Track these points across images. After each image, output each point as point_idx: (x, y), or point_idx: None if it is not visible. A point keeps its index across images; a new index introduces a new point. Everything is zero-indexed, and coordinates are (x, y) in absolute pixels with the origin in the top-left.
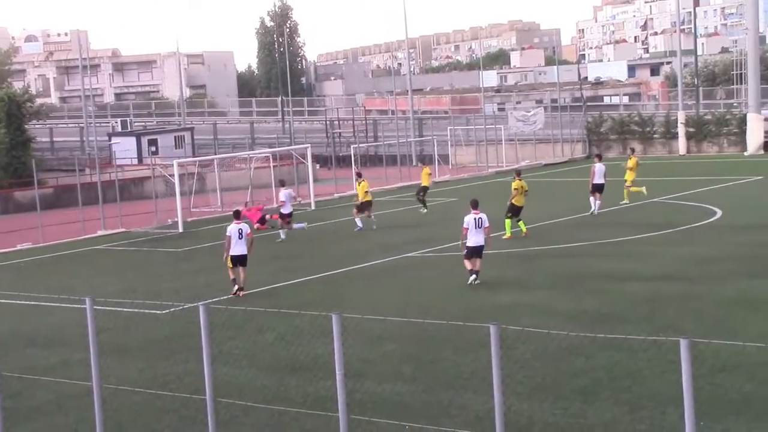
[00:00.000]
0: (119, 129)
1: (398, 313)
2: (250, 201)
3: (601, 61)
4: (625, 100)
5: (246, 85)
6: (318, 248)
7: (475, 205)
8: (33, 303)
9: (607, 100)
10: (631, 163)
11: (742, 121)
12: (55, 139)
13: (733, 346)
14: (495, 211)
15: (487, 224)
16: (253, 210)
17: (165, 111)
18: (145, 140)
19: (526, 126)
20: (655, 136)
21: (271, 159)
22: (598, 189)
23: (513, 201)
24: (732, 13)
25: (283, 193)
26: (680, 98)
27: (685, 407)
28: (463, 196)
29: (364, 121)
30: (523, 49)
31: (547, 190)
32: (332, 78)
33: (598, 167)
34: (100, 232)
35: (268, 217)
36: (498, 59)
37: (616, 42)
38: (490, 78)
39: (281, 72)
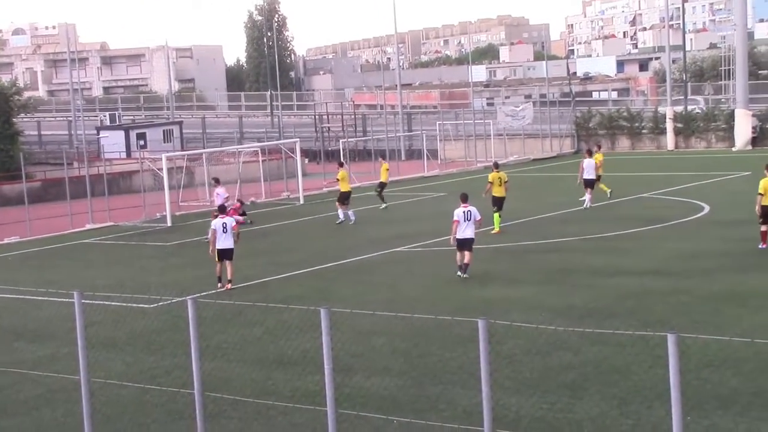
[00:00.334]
0: (107, 123)
1: (387, 307)
2: (239, 195)
3: (589, 56)
4: (614, 95)
5: (235, 79)
6: (307, 242)
7: (464, 198)
8: (21, 297)
9: (595, 96)
10: (596, 159)
11: (730, 117)
12: (43, 132)
13: (720, 341)
14: (483, 205)
15: (478, 217)
16: (230, 212)
17: (153, 105)
18: (133, 134)
19: (514, 121)
20: (644, 131)
21: (259, 153)
22: (589, 184)
23: (493, 193)
24: (720, 9)
25: (221, 191)
26: (669, 94)
27: (672, 402)
28: (451, 190)
29: (353, 116)
30: (512, 44)
31: (536, 185)
32: (321, 72)
33: (587, 162)
34: (88, 226)
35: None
36: (487, 54)
37: (605, 37)
38: (479, 73)
39: (270, 66)
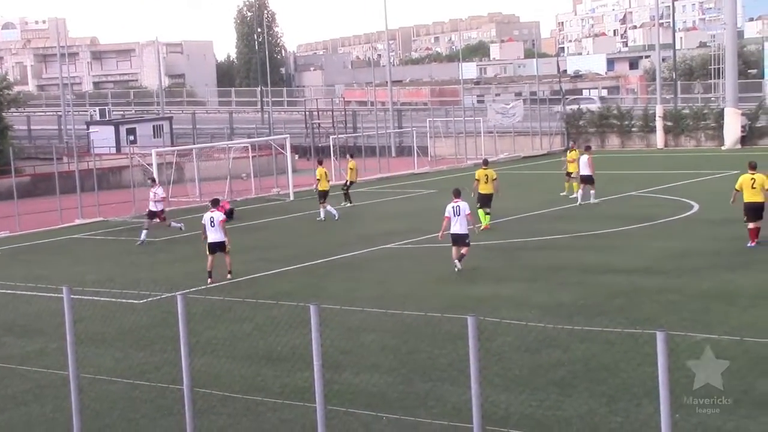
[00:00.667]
0: (97, 118)
1: (376, 304)
2: (229, 191)
3: (580, 54)
4: (604, 93)
5: (225, 75)
6: (296, 239)
7: (456, 194)
8: (10, 292)
9: (586, 93)
10: (571, 155)
11: (720, 116)
12: (32, 127)
13: (709, 339)
14: (473, 202)
15: (466, 212)
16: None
17: (143, 100)
18: (123, 129)
19: (505, 118)
20: (634, 129)
21: (249, 149)
22: (585, 180)
23: (479, 190)
24: (710, 8)
25: (161, 190)
26: (659, 92)
27: (660, 399)
28: (441, 187)
29: (343, 112)
30: (502, 41)
31: (526, 182)
32: (312, 68)
33: (583, 158)
34: (77, 221)
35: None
36: (477, 51)
37: (595, 35)
38: (469, 70)
39: (260, 62)
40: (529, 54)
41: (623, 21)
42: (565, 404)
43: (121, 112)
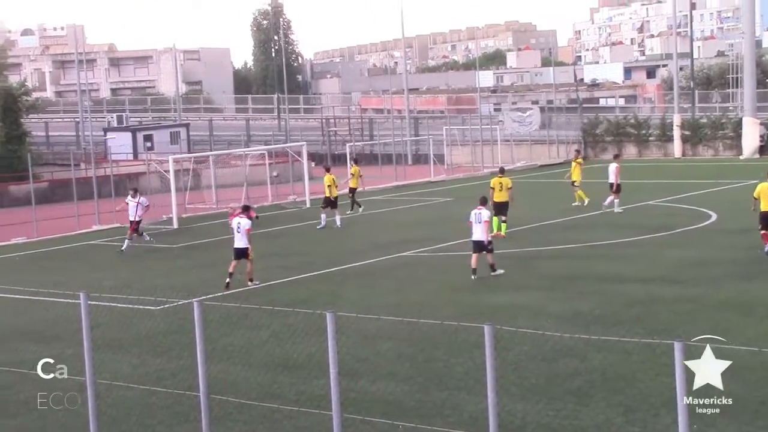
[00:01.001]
0: (115, 124)
1: (392, 312)
2: (246, 198)
3: (597, 62)
4: (621, 102)
5: (242, 82)
6: (312, 246)
7: (482, 201)
8: (27, 297)
9: (602, 102)
10: (575, 163)
11: (738, 125)
12: (50, 133)
13: (726, 349)
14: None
15: (484, 219)
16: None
17: (161, 107)
18: (140, 136)
19: (521, 127)
20: (651, 138)
21: (266, 156)
22: (612, 188)
23: (494, 198)
24: (728, 17)
25: (143, 201)
26: (676, 101)
27: (678, 410)
28: (458, 196)
29: (359, 120)
30: (519, 49)
31: (542, 191)
32: (328, 76)
33: (612, 167)
34: (95, 227)
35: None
36: (494, 60)
37: (613, 44)
38: (486, 78)
39: (277, 69)
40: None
41: (640, 30)
42: (581, 414)
43: (139, 119)
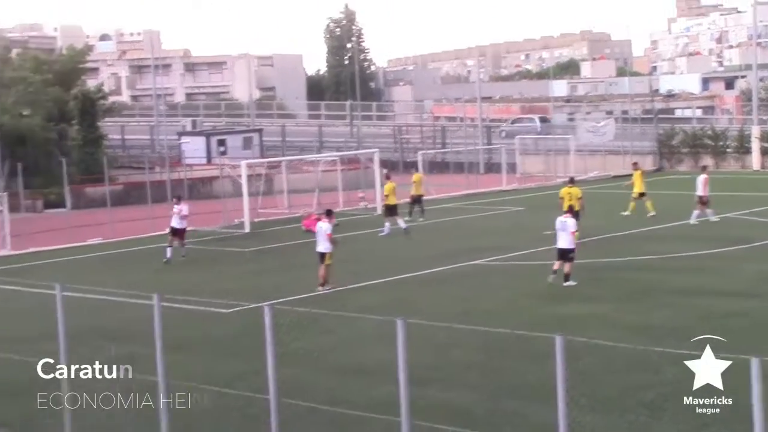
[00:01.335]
0: (189, 128)
1: (462, 320)
2: (317, 204)
3: (673, 73)
4: (698, 113)
5: (315, 88)
6: (384, 252)
7: (569, 210)
8: (102, 297)
9: (679, 113)
10: (636, 175)
11: None
12: (126, 136)
13: None
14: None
15: (571, 229)
16: (312, 218)
17: (234, 112)
18: (214, 140)
19: (595, 137)
20: (728, 150)
21: (338, 163)
22: (700, 200)
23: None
24: None
25: (186, 207)
26: (755, 113)
27: (755, 427)
28: (529, 205)
29: (432, 128)
30: (594, 59)
31: (616, 201)
32: (401, 83)
33: (701, 179)
34: (168, 230)
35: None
36: (568, 69)
37: (690, 54)
38: (560, 88)
39: (350, 77)
40: (621, 72)
41: (719, 40)
42: (654, 427)
43: (212, 124)
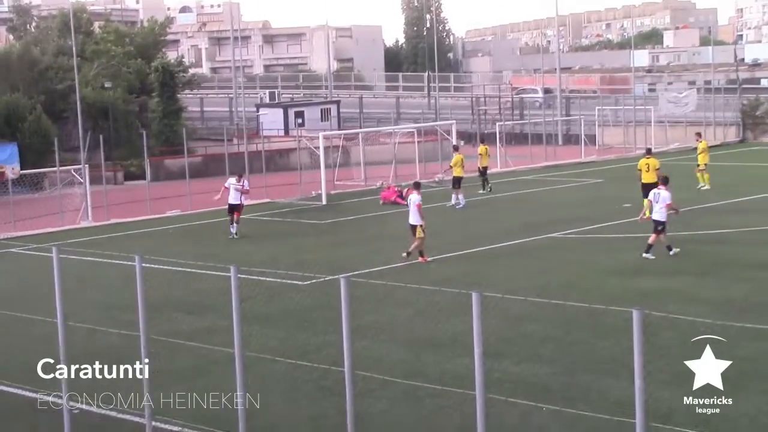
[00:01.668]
0: (267, 100)
1: (538, 293)
2: (393, 176)
3: (759, 42)
4: None
5: (393, 60)
6: (459, 225)
7: (663, 181)
8: (180, 269)
9: (764, 83)
10: (701, 146)
11: None
12: (205, 108)
13: None
14: (633, 192)
15: (666, 201)
16: (390, 190)
17: (312, 84)
18: (292, 112)
19: (677, 108)
20: None
21: (415, 134)
22: None
23: (642, 180)
24: None
25: (247, 183)
26: None
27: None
28: (609, 177)
29: (510, 99)
30: (677, 28)
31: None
32: (479, 54)
33: None
34: (246, 202)
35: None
36: (650, 38)
37: None
38: (641, 58)
39: (428, 48)
40: (704, 42)
41: None
42: (731, 404)
43: (290, 95)
